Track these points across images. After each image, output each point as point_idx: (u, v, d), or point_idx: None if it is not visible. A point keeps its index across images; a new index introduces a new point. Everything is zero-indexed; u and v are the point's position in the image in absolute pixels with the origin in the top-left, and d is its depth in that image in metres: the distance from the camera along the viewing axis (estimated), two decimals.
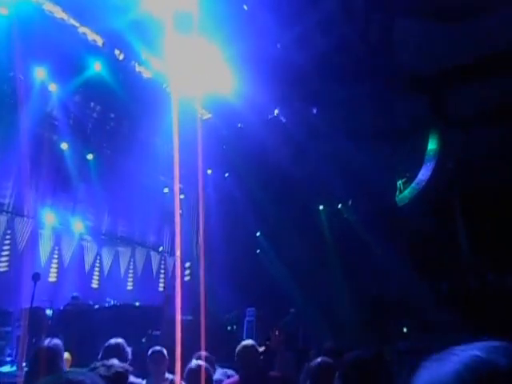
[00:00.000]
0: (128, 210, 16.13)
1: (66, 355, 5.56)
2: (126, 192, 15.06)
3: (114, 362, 3.24)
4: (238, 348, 4.87)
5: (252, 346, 4.90)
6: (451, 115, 13.64)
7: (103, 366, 3.12)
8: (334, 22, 11.38)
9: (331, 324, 14.40)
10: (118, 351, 4.50)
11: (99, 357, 4.53)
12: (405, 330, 13.74)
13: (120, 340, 4.78)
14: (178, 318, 3.59)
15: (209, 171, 16.56)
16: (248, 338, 14.19)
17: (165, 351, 5.36)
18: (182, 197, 16.13)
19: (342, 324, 14.67)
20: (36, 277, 10.03)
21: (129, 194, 15.14)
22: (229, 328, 14.41)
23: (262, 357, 5.26)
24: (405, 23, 11.33)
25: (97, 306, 11.89)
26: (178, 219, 3.74)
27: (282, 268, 16.70)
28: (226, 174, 17.11)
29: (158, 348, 5.46)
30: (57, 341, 3.83)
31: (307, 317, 14.65)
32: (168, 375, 5.28)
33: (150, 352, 5.40)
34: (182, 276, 14.98)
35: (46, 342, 3.81)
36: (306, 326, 14.32)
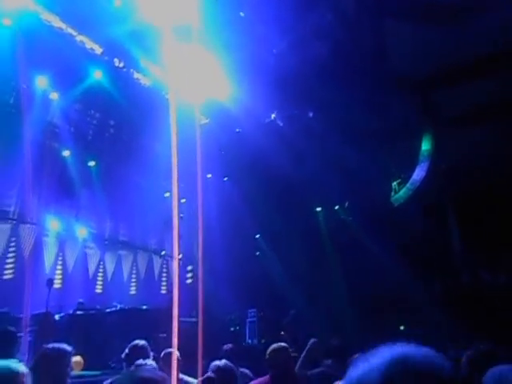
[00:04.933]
0: (129, 215, 16.08)
1: (78, 358, 5.55)
2: (127, 197, 15.02)
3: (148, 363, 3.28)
4: (270, 349, 4.99)
5: (284, 348, 4.99)
6: (444, 116, 13.69)
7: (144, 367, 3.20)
8: (328, 28, 11.42)
9: (331, 323, 14.38)
10: (143, 352, 4.61)
11: (123, 356, 4.64)
12: (402, 327, 13.74)
13: (144, 342, 4.90)
14: (175, 323, 3.59)
15: (208, 175, 16.54)
16: (251, 338, 14.19)
17: (177, 352, 5.37)
18: (183, 201, 16.11)
19: (342, 323, 14.66)
20: (50, 283, 10.03)
21: (130, 199, 15.09)
22: (232, 329, 14.41)
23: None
24: (395, 26, 11.37)
25: (108, 310, 11.82)
26: (176, 222, 3.72)
27: (282, 269, 16.67)
28: (225, 178, 17.07)
29: (170, 350, 5.48)
30: (62, 345, 3.79)
31: (307, 317, 14.62)
32: (182, 376, 5.29)
33: (162, 354, 5.42)
34: (184, 279, 14.93)
35: (51, 346, 3.77)
36: (306, 326, 14.30)
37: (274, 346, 5.01)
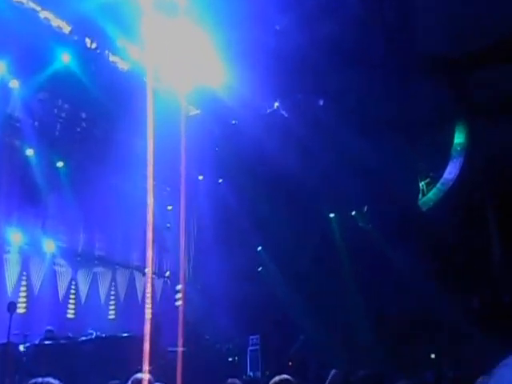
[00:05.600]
0: (107, 225, 16.05)
1: None
2: (104, 204, 14.99)
3: None
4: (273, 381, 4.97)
5: (287, 381, 4.96)
6: (480, 104, 13.66)
7: None
8: (343, 1, 11.40)
9: (347, 351, 14.36)
10: None
11: None
12: (432, 356, 13.73)
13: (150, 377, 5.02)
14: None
15: (200, 177, 16.52)
16: (253, 370, 14.16)
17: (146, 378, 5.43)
18: (169, 208, 16.10)
19: (360, 351, 14.64)
20: (12, 307, 9.97)
21: (107, 206, 15.06)
22: (230, 359, 14.38)
23: None
24: None
25: (82, 339, 11.79)
26: (150, 235, 3.67)
27: (289, 287, 16.65)
28: (220, 180, 17.05)
29: (139, 375, 5.52)
30: (49, 380, 3.80)
31: (319, 344, 14.60)
32: None
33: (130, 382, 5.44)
34: (172, 301, 14.90)
35: (33, 381, 3.76)
36: (319, 354, 14.27)
37: (276, 379, 4.99)
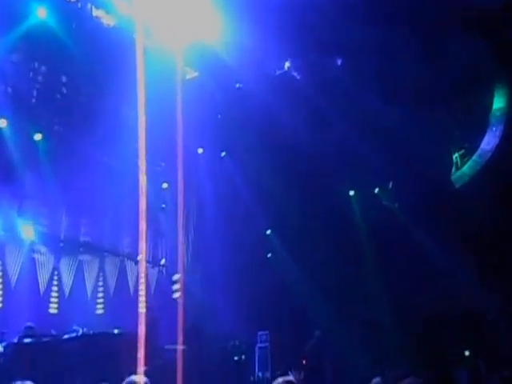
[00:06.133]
0: (93, 206, 16.10)
1: None
2: (90, 183, 15.00)
3: None
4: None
5: (291, 382, 4.95)
6: None
7: None
8: None
9: (369, 349, 14.44)
10: None
11: None
12: (467, 353, 13.79)
13: (145, 379, 5.01)
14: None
15: (199, 150, 16.48)
16: (261, 370, 14.28)
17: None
18: (165, 186, 16.10)
19: (384, 349, 14.72)
20: None
21: (93, 185, 15.07)
22: (236, 358, 14.49)
23: None
24: None
25: (66, 337, 11.88)
26: (143, 207, 3.63)
27: (302, 276, 16.70)
28: (223, 154, 17.03)
29: (133, 377, 5.57)
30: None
31: (337, 339, 14.68)
32: None
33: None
34: (169, 292, 14.99)
35: None
36: (336, 352, 14.35)
37: (279, 381, 5.00)
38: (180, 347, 6.47)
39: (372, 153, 15.00)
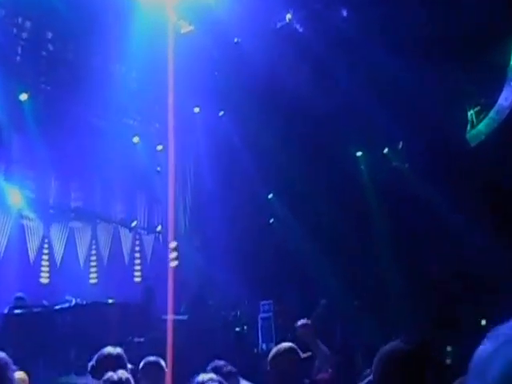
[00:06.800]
0: (83, 169, 16.12)
1: (22, 375, 5.67)
2: (79, 145, 15.02)
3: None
4: (272, 354, 5.00)
5: (292, 350, 5.01)
6: None
7: None
8: None
9: (379, 317, 14.55)
10: (119, 364, 4.76)
11: (89, 370, 4.80)
12: (483, 322, 13.88)
13: (119, 350, 5.11)
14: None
15: (196, 110, 16.43)
16: (266, 341, 14.42)
17: (162, 362, 5.57)
18: (159, 148, 16.09)
19: (395, 317, 14.83)
20: None
21: (83, 147, 15.09)
22: (237, 329, 14.63)
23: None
24: None
25: (58, 307, 12.03)
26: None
27: (307, 242, 16.77)
28: (221, 113, 16.98)
29: (152, 358, 5.66)
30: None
31: (345, 308, 14.80)
32: None
33: (142, 364, 5.59)
34: (166, 260, 15.12)
35: None
36: (344, 321, 14.49)
37: (280, 348, 5.05)
38: (171, 317, 6.55)
39: (380, 111, 14.94)
